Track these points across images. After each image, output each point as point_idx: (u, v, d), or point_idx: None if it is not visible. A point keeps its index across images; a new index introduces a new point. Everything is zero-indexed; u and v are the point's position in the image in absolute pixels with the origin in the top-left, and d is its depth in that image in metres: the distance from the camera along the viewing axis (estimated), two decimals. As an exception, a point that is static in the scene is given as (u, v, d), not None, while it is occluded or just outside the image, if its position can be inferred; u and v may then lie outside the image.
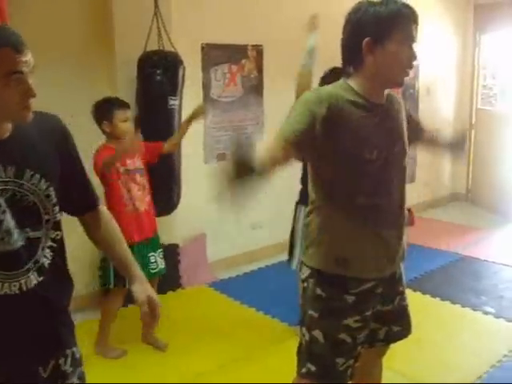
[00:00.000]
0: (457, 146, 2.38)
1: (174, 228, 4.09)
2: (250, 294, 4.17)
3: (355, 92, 1.83)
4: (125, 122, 3.08)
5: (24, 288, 1.38)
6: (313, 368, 1.95)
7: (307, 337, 1.96)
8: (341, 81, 1.89)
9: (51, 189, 1.42)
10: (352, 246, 1.89)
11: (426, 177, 6.58)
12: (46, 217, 1.42)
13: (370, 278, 1.91)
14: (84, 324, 3.65)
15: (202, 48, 4.42)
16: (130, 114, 3.17)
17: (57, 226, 1.47)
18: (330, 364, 1.92)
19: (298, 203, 3.48)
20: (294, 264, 3.42)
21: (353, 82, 1.85)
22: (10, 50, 1.27)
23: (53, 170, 1.44)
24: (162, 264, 3.31)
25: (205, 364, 3.16)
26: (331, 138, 1.78)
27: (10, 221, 1.32)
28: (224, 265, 4.65)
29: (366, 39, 1.77)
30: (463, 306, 3.92)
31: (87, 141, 3.80)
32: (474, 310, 3.87)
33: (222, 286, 4.34)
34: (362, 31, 1.79)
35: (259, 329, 3.62)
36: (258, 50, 4.79)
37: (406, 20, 1.81)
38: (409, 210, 4.87)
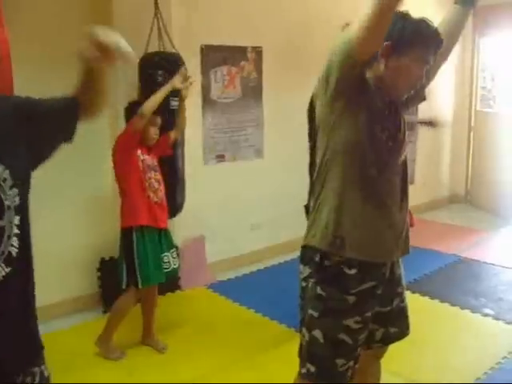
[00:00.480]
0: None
1: (173, 229, 4.08)
2: (249, 295, 4.17)
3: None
4: (154, 126, 3.20)
5: None
6: (312, 368, 1.94)
7: (307, 337, 1.95)
8: None
9: (7, 171, 1.32)
10: (366, 227, 1.87)
11: (425, 178, 6.58)
12: (7, 202, 1.32)
13: (381, 261, 1.92)
14: (83, 326, 3.66)
15: (202, 49, 4.42)
16: (159, 120, 3.25)
17: (18, 210, 1.36)
18: (330, 365, 1.91)
19: (307, 206, 3.45)
20: None
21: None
22: None
23: (8, 150, 1.35)
24: (174, 264, 3.33)
25: (204, 366, 3.15)
26: (359, 95, 1.80)
27: None
28: (223, 266, 4.65)
29: (387, 43, 1.80)
30: (462, 308, 3.92)
31: (87, 141, 3.82)
32: (474, 311, 3.87)
33: (221, 288, 4.34)
34: (388, 34, 1.77)
35: (258, 330, 3.62)
36: (258, 52, 4.79)
37: (430, 44, 1.86)
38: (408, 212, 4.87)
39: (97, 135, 3.53)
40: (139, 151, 3.15)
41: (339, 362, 1.90)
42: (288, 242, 4.94)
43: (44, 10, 3.54)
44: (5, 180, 1.32)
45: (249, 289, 4.36)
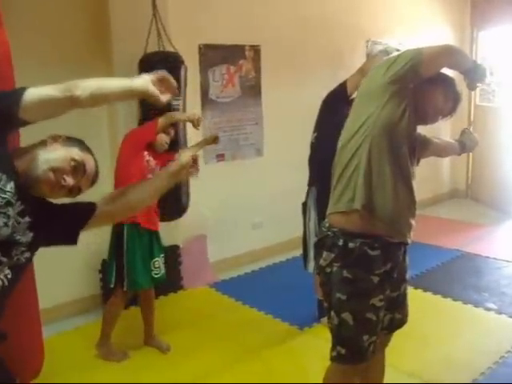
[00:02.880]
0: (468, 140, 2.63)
1: (175, 229, 4.09)
2: (252, 294, 4.17)
3: None
4: (167, 134, 3.25)
5: None
6: (343, 351, 2.02)
7: (336, 320, 2.03)
8: None
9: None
10: (395, 202, 1.98)
11: (426, 174, 6.56)
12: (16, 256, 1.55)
13: (400, 240, 2.05)
14: (85, 327, 3.66)
15: (200, 49, 4.42)
16: (173, 130, 3.31)
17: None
18: (359, 343, 2.00)
19: (305, 203, 3.46)
20: (311, 267, 3.41)
21: None
22: None
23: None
24: (163, 269, 3.31)
25: (208, 365, 3.16)
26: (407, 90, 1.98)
27: None
28: (225, 265, 4.65)
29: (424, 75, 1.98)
30: (465, 303, 3.91)
31: (85, 139, 3.80)
32: (476, 306, 3.86)
33: (224, 287, 4.34)
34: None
35: (261, 329, 3.62)
36: (256, 50, 4.79)
37: (456, 101, 2.13)
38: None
39: (97, 140, 3.53)
40: (146, 152, 3.16)
41: (365, 337, 1.99)
42: (290, 240, 4.94)
43: (42, 12, 3.53)
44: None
45: (251, 287, 4.36)
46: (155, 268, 3.24)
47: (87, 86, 1.52)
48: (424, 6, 6.36)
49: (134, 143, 3.13)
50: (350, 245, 1.97)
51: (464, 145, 2.57)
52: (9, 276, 1.52)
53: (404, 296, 2.20)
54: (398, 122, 1.95)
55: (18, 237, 1.52)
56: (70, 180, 1.55)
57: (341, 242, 1.99)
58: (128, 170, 3.09)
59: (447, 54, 2.03)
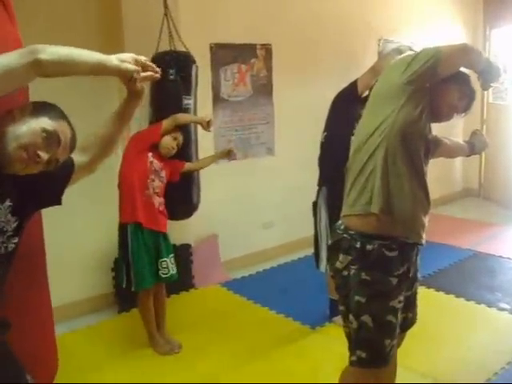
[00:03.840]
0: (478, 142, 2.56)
1: (187, 228, 4.10)
2: (263, 293, 4.16)
3: None
4: (174, 139, 3.23)
5: None
6: (363, 354, 1.98)
7: (355, 324, 1.99)
8: None
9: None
10: (413, 203, 1.99)
11: (438, 173, 6.52)
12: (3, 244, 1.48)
13: (416, 241, 2.04)
14: (97, 326, 3.68)
15: (211, 48, 4.43)
16: (181, 137, 3.29)
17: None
18: (380, 347, 1.97)
19: (315, 203, 3.46)
20: (323, 266, 3.41)
21: None
22: None
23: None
24: (173, 269, 3.31)
25: (219, 363, 3.16)
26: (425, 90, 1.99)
27: None
28: (237, 264, 4.65)
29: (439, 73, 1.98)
30: (478, 303, 3.89)
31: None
32: (489, 306, 3.84)
33: (236, 286, 4.34)
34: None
35: (273, 328, 3.62)
36: (267, 49, 4.79)
37: (471, 98, 2.13)
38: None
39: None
40: (150, 153, 3.16)
41: (387, 342, 1.97)
42: (301, 240, 4.93)
43: (52, 11, 3.55)
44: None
45: (263, 286, 4.36)
46: (163, 268, 3.24)
47: (55, 51, 1.36)
48: (436, 5, 6.32)
49: (138, 144, 3.14)
50: (368, 247, 1.95)
51: (473, 146, 2.54)
52: None
53: (415, 295, 2.20)
54: (414, 124, 1.95)
55: (2, 225, 1.44)
56: (44, 155, 1.42)
57: (358, 245, 1.96)
58: (131, 170, 3.11)
59: (465, 54, 2.02)
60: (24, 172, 1.44)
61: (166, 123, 3.16)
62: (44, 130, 1.42)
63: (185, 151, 3.50)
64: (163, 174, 3.25)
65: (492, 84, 2.14)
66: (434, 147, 2.22)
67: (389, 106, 1.95)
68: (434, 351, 3.20)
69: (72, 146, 1.52)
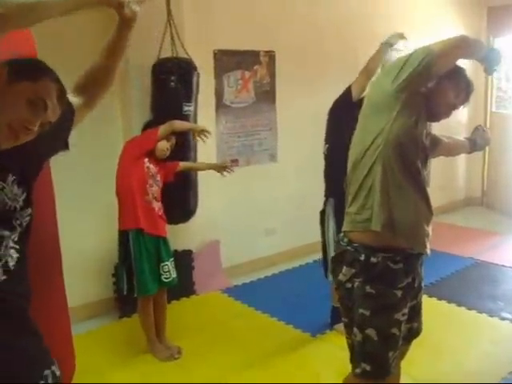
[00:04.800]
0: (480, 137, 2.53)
1: (188, 234, 4.09)
2: (265, 300, 4.16)
3: None
4: (167, 140, 3.20)
5: None
6: (368, 367, 1.97)
7: (359, 337, 1.97)
8: None
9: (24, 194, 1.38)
10: (414, 214, 1.96)
11: (441, 181, 6.53)
12: (17, 222, 1.38)
13: (421, 251, 2.01)
14: (98, 331, 3.67)
15: (215, 54, 4.43)
16: (174, 139, 3.25)
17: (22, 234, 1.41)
18: (384, 359, 1.96)
19: (323, 211, 3.43)
20: (331, 276, 3.38)
21: None
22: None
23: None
24: (174, 273, 3.32)
25: (219, 370, 3.15)
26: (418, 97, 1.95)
27: None
28: (238, 271, 4.64)
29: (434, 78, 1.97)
30: (480, 312, 3.87)
31: (104, 152, 3.84)
32: (491, 315, 3.82)
33: (237, 292, 4.33)
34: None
35: (273, 335, 3.61)
36: (271, 56, 4.80)
37: (468, 91, 2.08)
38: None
39: (113, 146, 3.55)
40: (146, 159, 3.16)
41: (390, 354, 1.96)
42: (303, 247, 4.93)
43: (55, 20, 3.55)
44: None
45: (264, 293, 4.35)
46: (164, 272, 3.25)
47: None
48: (439, 12, 6.33)
49: (134, 151, 3.14)
50: (372, 259, 1.93)
51: (475, 143, 2.49)
52: (17, 247, 1.36)
53: (420, 304, 2.18)
54: (410, 133, 1.92)
55: (9, 203, 1.34)
56: (32, 126, 1.28)
57: (362, 257, 1.94)
58: (129, 177, 3.12)
59: (460, 49, 1.94)
60: (17, 143, 1.32)
61: (163, 130, 3.14)
62: (27, 101, 1.28)
63: (184, 157, 3.51)
64: (158, 177, 3.25)
65: (496, 67, 2.09)
66: (432, 147, 2.19)
67: (382, 117, 1.91)
68: (435, 359, 3.19)
69: (62, 102, 1.38)
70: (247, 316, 3.93)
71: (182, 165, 3.43)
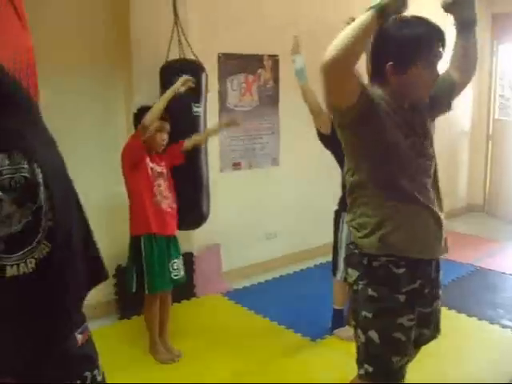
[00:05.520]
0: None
1: (189, 237, 4.10)
2: (265, 304, 4.16)
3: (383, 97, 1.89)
4: (160, 131, 3.16)
5: (39, 260, 1.24)
6: (370, 369, 1.98)
7: (363, 338, 1.98)
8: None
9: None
10: (407, 228, 1.91)
11: (443, 187, 6.51)
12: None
13: (426, 258, 1.98)
14: (98, 332, 3.65)
15: (219, 57, 4.45)
16: (168, 126, 3.21)
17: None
18: (387, 363, 1.95)
19: (338, 211, 3.39)
20: (340, 275, 3.39)
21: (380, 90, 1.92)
22: None
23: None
24: (183, 271, 3.36)
25: (219, 374, 3.15)
26: (371, 124, 1.82)
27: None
28: (238, 274, 4.64)
29: (389, 64, 1.83)
30: (480, 319, 3.87)
31: (104, 151, 3.84)
32: (491, 323, 3.82)
33: (237, 296, 4.33)
34: (386, 55, 1.84)
35: (273, 339, 3.61)
36: (274, 60, 4.81)
37: (430, 43, 1.84)
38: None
39: (113, 146, 3.55)
40: (147, 159, 3.15)
41: (395, 359, 1.95)
42: (304, 251, 4.93)
43: (61, 19, 3.57)
44: None
45: (264, 297, 4.35)
46: (174, 270, 3.28)
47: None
48: (443, 18, 6.33)
49: (129, 161, 3.12)
50: (375, 263, 1.93)
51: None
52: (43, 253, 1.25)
53: (437, 311, 2.16)
54: (383, 157, 1.86)
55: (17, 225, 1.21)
56: None
57: (365, 261, 1.95)
58: (136, 183, 3.14)
59: (348, 41, 1.64)
60: None
61: (140, 137, 3.03)
62: None
63: (194, 160, 3.52)
64: (165, 172, 3.26)
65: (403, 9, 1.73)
66: (448, 94, 2.05)
67: (348, 158, 1.94)
68: (434, 366, 3.18)
69: None
70: (247, 320, 3.93)
71: (188, 142, 3.37)
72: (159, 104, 3.03)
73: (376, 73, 1.93)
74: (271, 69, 4.80)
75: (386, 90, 1.90)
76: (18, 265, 1.21)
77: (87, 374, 1.43)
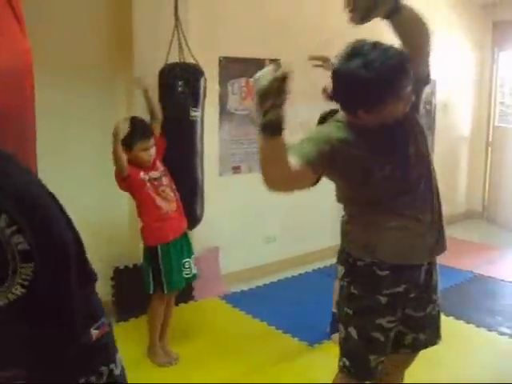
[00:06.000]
0: None
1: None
2: (263, 308, 4.15)
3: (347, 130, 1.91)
4: (145, 150, 3.13)
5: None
6: (347, 362, 2.04)
7: (343, 333, 2.05)
8: (336, 120, 2.02)
9: None
10: (393, 241, 1.95)
11: (442, 194, 6.52)
12: None
13: (413, 263, 2.00)
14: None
15: (220, 61, 4.45)
16: (152, 141, 3.17)
17: None
18: (363, 360, 2.00)
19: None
20: None
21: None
22: None
23: None
24: (194, 269, 3.39)
25: (216, 377, 3.14)
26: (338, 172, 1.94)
27: None
28: (236, 278, 4.63)
29: (360, 111, 1.83)
30: (478, 326, 3.86)
31: (108, 148, 3.82)
32: (490, 330, 3.81)
33: (234, 299, 4.32)
34: (354, 102, 1.84)
35: (270, 343, 3.60)
36: (276, 64, 4.80)
37: (401, 79, 1.74)
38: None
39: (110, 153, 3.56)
40: (141, 173, 3.13)
41: (372, 357, 1.99)
42: (302, 255, 4.92)
43: (63, 21, 3.57)
44: None
45: (262, 301, 4.34)
46: (185, 268, 3.31)
47: None
48: (444, 27, 6.35)
49: (121, 182, 3.15)
50: (359, 263, 1.99)
51: None
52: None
53: (433, 317, 2.15)
54: (357, 182, 1.94)
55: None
56: None
57: (351, 260, 2.01)
58: (140, 202, 3.19)
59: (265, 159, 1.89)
60: None
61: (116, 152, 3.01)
62: None
63: (190, 162, 3.52)
64: (161, 167, 3.26)
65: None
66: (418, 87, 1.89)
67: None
68: (432, 373, 3.17)
69: None
70: (244, 323, 3.93)
71: (157, 130, 3.32)
72: (114, 149, 3.00)
73: (346, 111, 1.94)
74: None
75: (359, 123, 1.89)
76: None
77: (103, 368, 1.38)
